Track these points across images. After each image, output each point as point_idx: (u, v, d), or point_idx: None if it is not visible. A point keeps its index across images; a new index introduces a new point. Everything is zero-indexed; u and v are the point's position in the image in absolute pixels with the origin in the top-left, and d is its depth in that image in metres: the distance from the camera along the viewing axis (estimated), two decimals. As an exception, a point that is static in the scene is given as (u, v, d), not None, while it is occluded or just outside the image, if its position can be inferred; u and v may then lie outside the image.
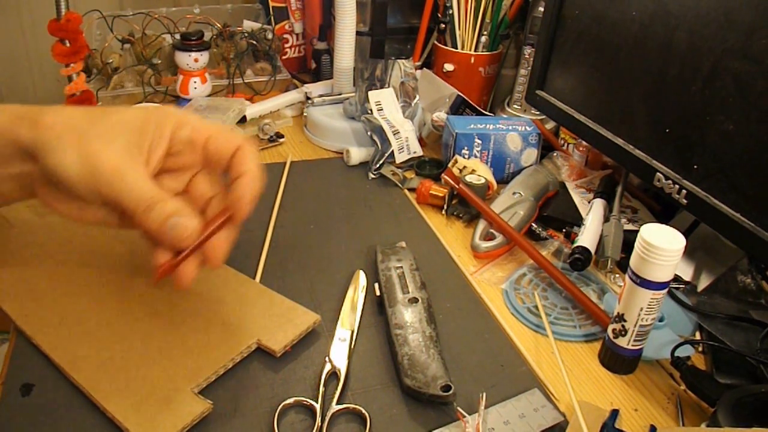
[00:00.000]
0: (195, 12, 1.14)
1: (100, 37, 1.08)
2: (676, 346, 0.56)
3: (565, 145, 0.94)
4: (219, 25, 1.11)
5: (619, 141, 0.71)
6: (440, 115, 0.96)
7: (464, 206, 0.80)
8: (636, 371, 0.57)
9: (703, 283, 0.67)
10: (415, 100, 0.95)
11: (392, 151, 0.88)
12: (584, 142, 0.88)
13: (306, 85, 1.08)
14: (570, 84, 0.81)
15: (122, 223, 0.47)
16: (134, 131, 0.44)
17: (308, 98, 1.02)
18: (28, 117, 0.43)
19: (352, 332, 0.59)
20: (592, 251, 0.68)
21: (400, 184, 0.87)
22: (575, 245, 0.69)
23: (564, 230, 0.76)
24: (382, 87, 0.94)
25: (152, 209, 0.43)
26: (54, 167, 0.42)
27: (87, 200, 0.44)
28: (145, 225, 0.44)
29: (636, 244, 0.51)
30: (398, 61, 0.96)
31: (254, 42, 1.13)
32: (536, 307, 0.64)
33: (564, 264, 0.71)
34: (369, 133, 0.91)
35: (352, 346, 0.58)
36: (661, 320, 0.60)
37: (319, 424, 0.49)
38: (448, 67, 1.06)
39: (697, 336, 0.62)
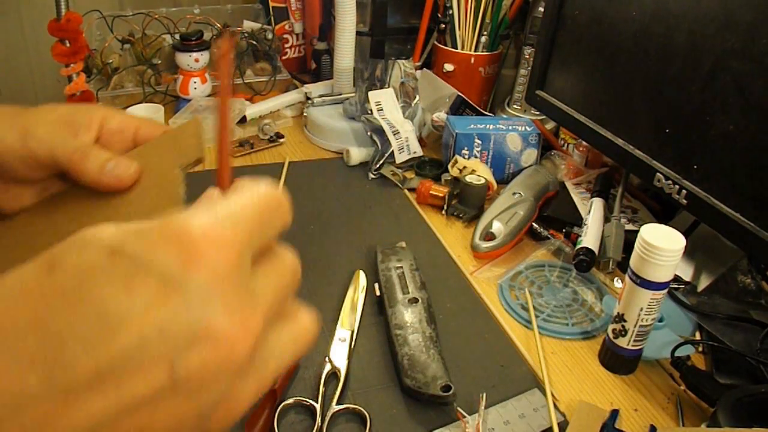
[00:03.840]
0: (195, 12, 1.14)
1: (100, 37, 1.08)
2: (676, 346, 0.56)
3: (565, 145, 0.94)
4: (219, 25, 1.11)
5: (619, 141, 0.71)
6: (440, 115, 0.96)
7: (464, 206, 0.80)
8: (636, 371, 0.57)
9: (703, 283, 0.67)
10: (415, 100, 0.95)
11: (392, 151, 0.88)
12: (584, 142, 0.88)
13: (306, 85, 1.08)
14: (570, 84, 0.81)
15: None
16: (64, 115, 0.45)
17: (308, 98, 1.02)
18: None
19: (352, 332, 0.59)
20: (596, 252, 0.68)
21: (400, 184, 0.87)
22: (579, 246, 0.69)
23: (564, 230, 0.76)
24: (382, 87, 0.94)
25: (88, 156, 0.43)
26: None
27: (20, 174, 0.44)
28: (84, 173, 0.43)
29: (636, 245, 0.51)
30: (398, 61, 0.96)
31: (254, 42, 1.13)
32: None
33: (564, 264, 0.71)
34: (369, 133, 0.91)
35: (352, 346, 0.58)
36: (661, 320, 0.60)
37: (319, 424, 0.49)
38: (448, 67, 1.06)
39: (697, 336, 0.62)
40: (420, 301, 0.60)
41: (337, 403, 0.51)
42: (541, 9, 0.91)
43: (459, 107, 0.97)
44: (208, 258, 0.23)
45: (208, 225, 0.24)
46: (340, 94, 1.02)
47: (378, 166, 0.89)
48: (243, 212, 0.26)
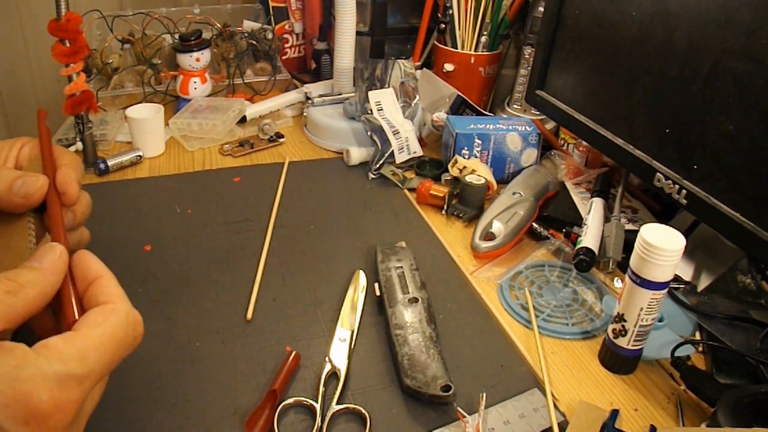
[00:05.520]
0: (195, 12, 1.14)
1: (100, 37, 1.08)
2: (676, 346, 0.56)
3: (565, 145, 0.94)
4: (219, 25, 1.11)
5: (619, 141, 0.71)
6: (440, 115, 0.96)
7: (464, 206, 0.80)
8: (636, 371, 0.57)
9: (703, 283, 0.67)
10: (415, 100, 0.95)
11: (392, 151, 0.89)
12: (584, 142, 0.88)
13: (306, 85, 1.08)
14: (570, 84, 0.81)
15: None
16: None
17: (308, 98, 1.02)
18: None
19: (352, 332, 0.59)
20: (596, 252, 0.68)
21: (400, 184, 0.87)
22: (579, 246, 0.69)
23: (564, 230, 0.76)
24: (382, 87, 0.94)
25: None
26: None
27: None
28: None
29: (636, 244, 0.51)
30: (398, 61, 0.96)
31: (254, 42, 1.13)
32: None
33: (564, 264, 0.71)
34: (369, 133, 0.91)
35: (352, 346, 0.58)
36: (661, 320, 0.60)
37: (319, 424, 0.49)
38: (448, 67, 1.06)
39: (697, 336, 0.62)
40: (420, 301, 0.60)
41: (337, 403, 0.51)
42: (541, 9, 0.91)
43: (459, 107, 0.97)
44: (50, 422, 0.29)
45: (54, 393, 0.29)
46: (340, 94, 1.02)
47: (378, 166, 0.89)
48: (94, 362, 0.32)
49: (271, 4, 1.20)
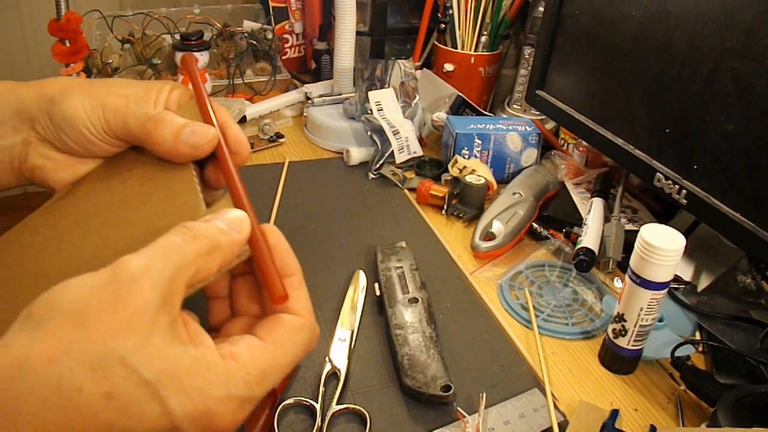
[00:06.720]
0: (195, 12, 1.14)
1: (100, 37, 1.08)
2: (676, 346, 0.56)
3: (565, 145, 0.94)
4: (219, 25, 1.11)
5: (619, 141, 0.71)
6: (440, 115, 0.96)
7: (464, 206, 0.80)
8: (636, 371, 0.57)
9: (703, 283, 0.67)
10: (415, 100, 0.95)
11: (392, 151, 0.88)
12: (584, 143, 0.88)
13: (306, 85, 1.08)
14: (570, 84, 0.81)
15: None
16: (136, 86, 0.42)
17: (308, 98, 1.02)
18: (27, 83, 0.42)
19: (352, 332, 0.59)
20: (596, 252, 0.68)
21: (400, 184, 0.87)
22: (579, 246, 0.68)
23: (564, 230, 0.76)
24: (382, 87, 0.94)
25: (163, 122, 0.40)
26: (63, 111, 0.40)
27: (96, 148, 0.41)
28: (158, 142, 0.39)
29: (636, 244, 0.51)
30: (398, 61, 0.96)
31: (254, 42, 1.13)
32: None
33: (564, 264, 0.71)
34: (369, 133, 0.91)
35: (352, 346, 0.58)
36: (661, 320, 0.60)
37: (319, 424, 0.49)
38: (448, 67, 1.06)
39: (697, 336, 0.62)
40: (420, 301, 0.60)
41: (337, 403, 0.51)
42: (541, 9, 0.91)
43: (459, 107, 0.97)
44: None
45: (234, 414, 0.31)
46: (340, 94, 1.02)
47: (378, 166, 0.89)
48: (270, 382, 0.33)
49: (271, 4, 1.20)
